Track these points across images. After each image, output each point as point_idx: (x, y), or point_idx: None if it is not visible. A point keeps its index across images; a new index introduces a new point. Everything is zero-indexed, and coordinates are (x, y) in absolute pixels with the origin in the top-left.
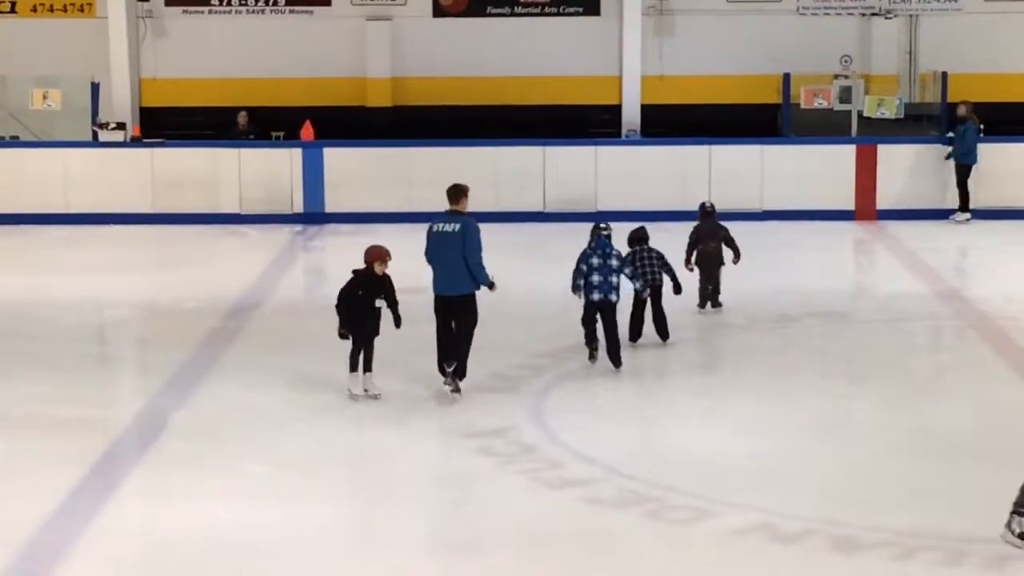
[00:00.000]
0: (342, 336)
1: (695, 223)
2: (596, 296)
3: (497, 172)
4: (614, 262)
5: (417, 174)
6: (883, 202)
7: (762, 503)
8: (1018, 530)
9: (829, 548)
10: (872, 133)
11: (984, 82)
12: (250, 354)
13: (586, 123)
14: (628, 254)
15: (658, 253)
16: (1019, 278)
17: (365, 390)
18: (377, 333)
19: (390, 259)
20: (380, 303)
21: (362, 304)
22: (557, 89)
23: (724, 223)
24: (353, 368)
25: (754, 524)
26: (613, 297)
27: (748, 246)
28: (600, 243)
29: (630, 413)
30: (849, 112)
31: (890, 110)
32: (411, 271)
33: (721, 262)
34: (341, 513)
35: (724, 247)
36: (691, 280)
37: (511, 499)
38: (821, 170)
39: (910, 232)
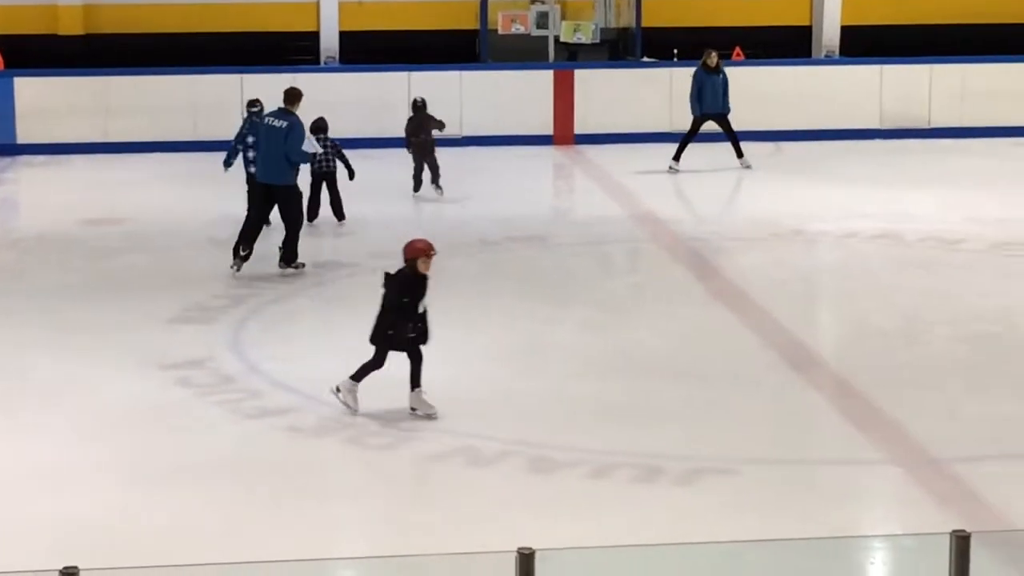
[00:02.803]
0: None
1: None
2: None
3: (195, 101)
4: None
5: (114, 104)
6: (581, 127)
7: (460, 427)
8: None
9: (526, 469)
10: (569, 58)
11: (679, 6)
12: None
13: (284, 50)
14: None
15: (334, 143)
16: (712, 200)
17: (413, 408)
18: (425, 341)
19: (435, 253)
20: (424, 307)
21: (409, 312)
22: (255, 15)
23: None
24: (359, 378)
25: (452, 448)
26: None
27: (448, 171)
28: (251, 124)
29: (329, 341)
30: (546, 37)
31: (587, 35)
32: (106, 202)
33: (432, 149)
34: (38, 448)
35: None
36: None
37: (210, 430)
38: (519, 96)
39: (607, 155)
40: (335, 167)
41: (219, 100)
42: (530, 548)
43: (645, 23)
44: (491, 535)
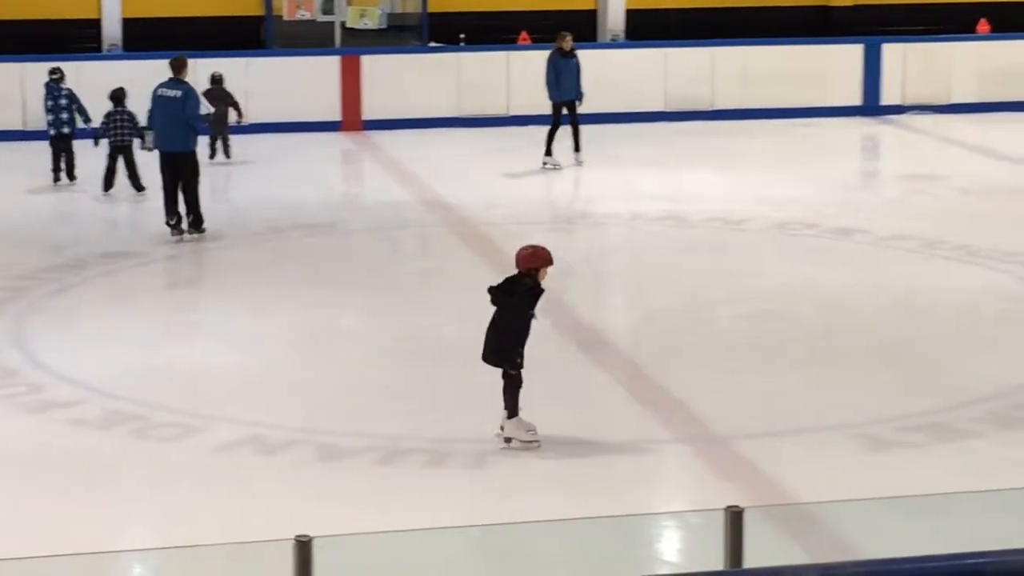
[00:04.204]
0: (518, 368)
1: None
2: (52, 131)
3: None
4: (63, 101)
5: None
6: (369, 113)
7: (249, 416)
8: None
9: (315, 457)
10: (355, 44)
11: None
12: None
13: (66, 38)
14: (106, 113)
15: (130, 114)
16: (500, 184)
17: (508, 439)
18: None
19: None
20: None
21: (529, 328)
22: (34, 4)
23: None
24: (516, 409)
25: (241, 438)
26: (65, 129)
27: (236, 158)
28: (49, 88)
29: (114, 331)
30: (332, 23)
31: (373, 20)
32: None
33: (227, 122)
34: None
35: (230, 109)
36: None
37: None
38: (306, 82)
39: (396, 141)
40: (131, 140)
41: (0, 90)
42: (307, 535)
43: (431, 8)
44: (278, 524)
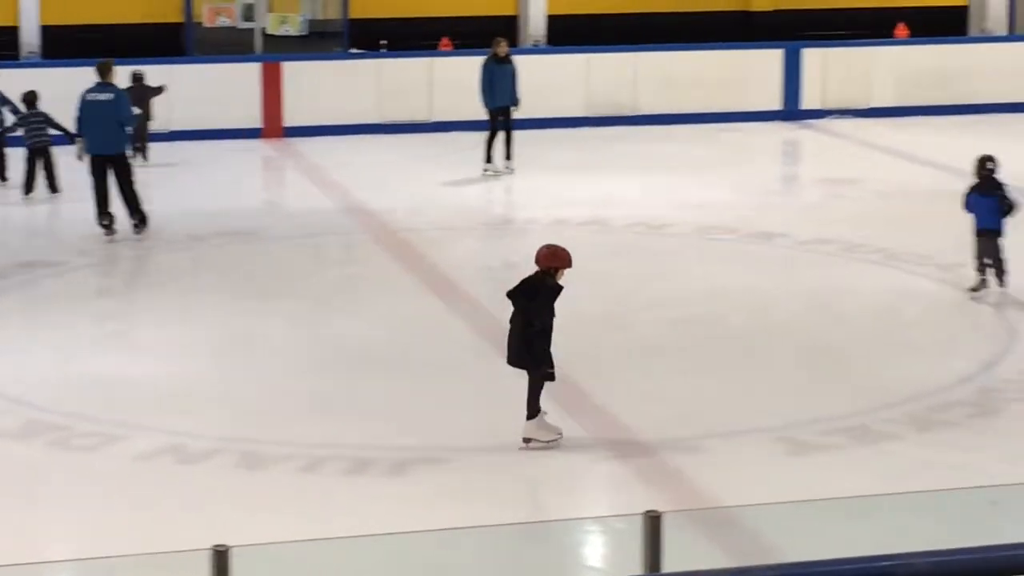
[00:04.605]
0: (550, 378)
1: None
2: None
3: None
4: None
5: None
6: (290, 120)
7: (170, 425)
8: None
9: (237, 465)
10: (276, 50)
11: None
12: None
13: None
14: (19, 116)
15: (45, 115)
16: (422, 190)
17: (527, 440)
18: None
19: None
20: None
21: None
22: None
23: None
24: (537, 410)
25: (162, 447)
26: None
27: (157, 167)
28: None
29: (34, 341)
30: (253, 30)
31: (294, 27)
32: None
33: (149, 118)
34: None
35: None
36: None
37: None
38: (227, 89)
39: (317, 148)
40: (49, 139)
41: None
42: (225, 545)
43: (352, 14)
44: (199, 533)
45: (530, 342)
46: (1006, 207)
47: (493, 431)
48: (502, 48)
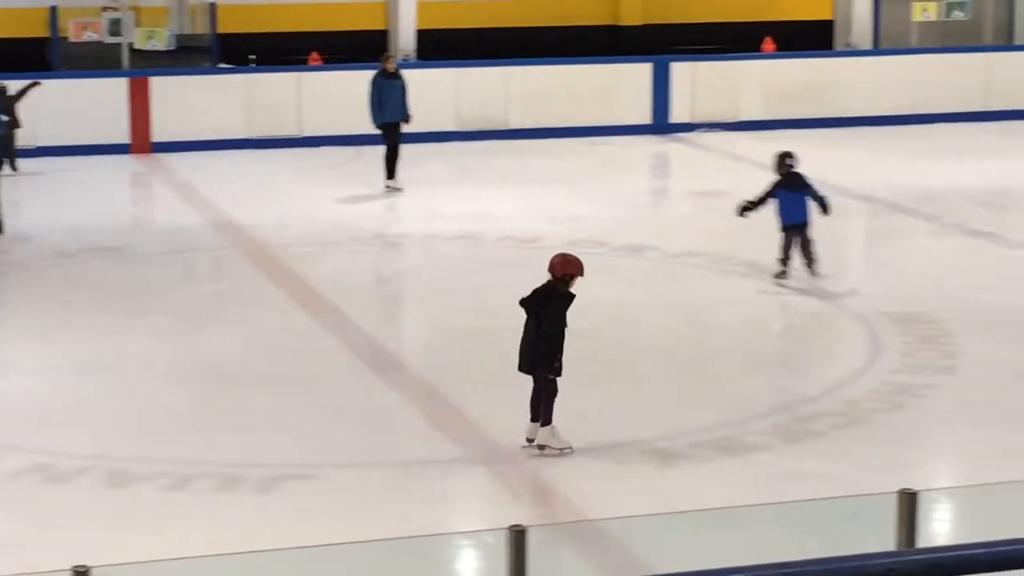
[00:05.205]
0: (557, 374)
1: None
2: None
3: None
4: None
5: None
6: (158, 135)
7: (36, 444)
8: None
9: (104, 483)
10: (144, 65)
11: (254, 12)
12: None
13: None
14: None
15: None
16: (292, 205)
17: (541, 447)
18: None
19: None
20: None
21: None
22: None
23: None
24: (550, 418)
25: (28, 465)
26: None
27: (23, 181)
28: None
29: None
30: (120, 44)
31: (161, 42)
32: None
33: (17, 125)
34: None
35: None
36: None
37: None
38: (94, 104)
39: (186, 163)
40: None
41: None
42: (85, 566)
43: (221, 29)
44: (66, 553)
45: (542, 350)
46: (823, 205)
47: (364, 447)
48: (391, 63)
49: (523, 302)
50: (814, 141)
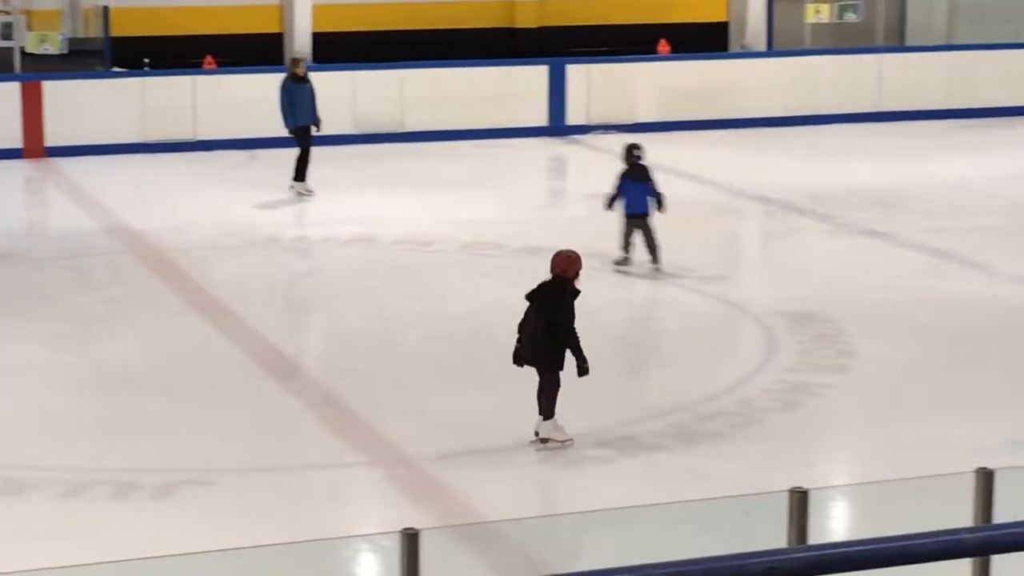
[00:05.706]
0: (584, 372)
1: None
2: None
3: None
4: None
5: None
6: (52, 139)
7: None
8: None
9: None
10: (36, 69)
11: (147, 15)
12: None
13: None
14: None
15: None
16: (187, 209)
17: (544, 440)
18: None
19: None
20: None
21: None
22: None
23: None
24: (552, 411)
25: None
26: None
27: None
28: None
29: None
30: (12, 48)
31: (54, 45)
32: None
33: None
34: None
35: None
36: None
37: None
38: None
39: (80, 168)
40: None
41: None
42: None
43: (114, 33)
44: None
45: (547, 344)
46: (659, 202)
47: (261, 451)
48: (300, 68)
49: (529, 296)
50: (710, 142)
